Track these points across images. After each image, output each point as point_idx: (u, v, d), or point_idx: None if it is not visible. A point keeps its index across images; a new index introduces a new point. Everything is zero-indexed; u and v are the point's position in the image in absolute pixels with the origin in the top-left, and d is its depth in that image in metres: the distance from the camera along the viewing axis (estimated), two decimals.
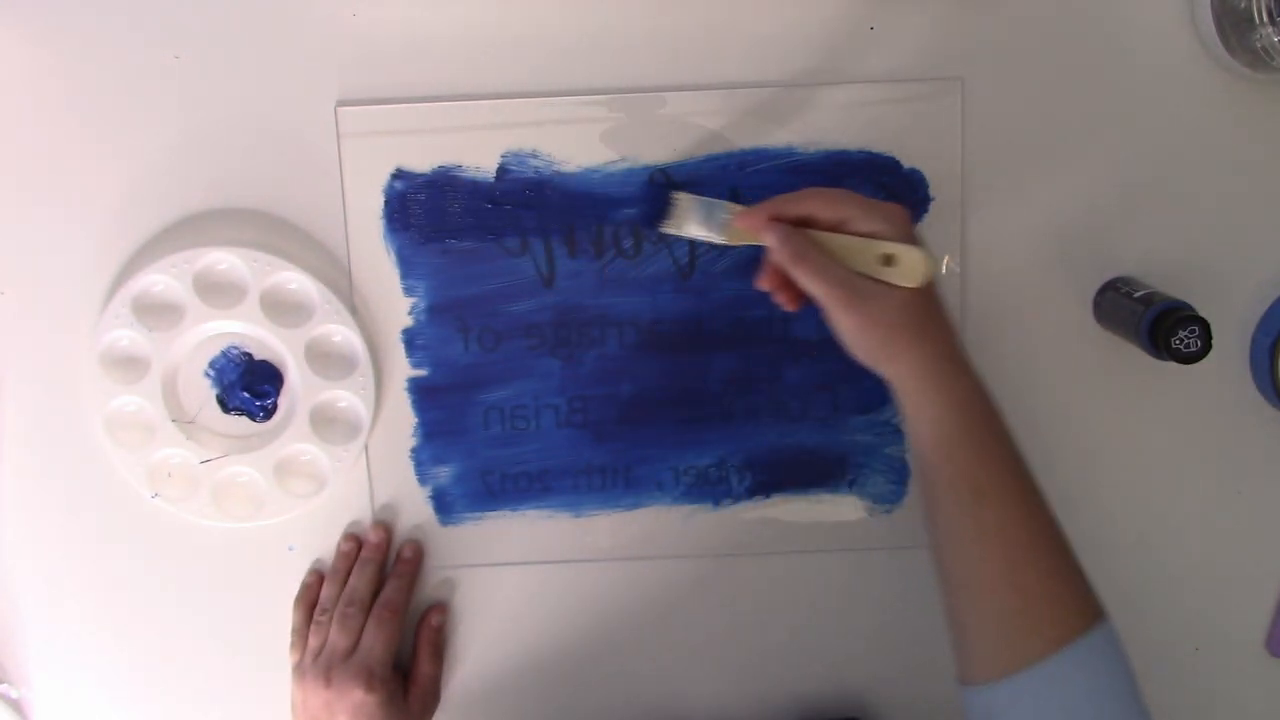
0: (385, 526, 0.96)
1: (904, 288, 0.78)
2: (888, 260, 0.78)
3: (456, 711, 0.99)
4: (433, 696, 0.96)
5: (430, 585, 0.97)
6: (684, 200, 0.87)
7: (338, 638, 0.91)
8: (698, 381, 0.94)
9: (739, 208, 0.84)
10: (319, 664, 0.90)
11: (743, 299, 0.93)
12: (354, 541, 0.96)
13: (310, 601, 0.96)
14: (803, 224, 0.80)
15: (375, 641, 0.91)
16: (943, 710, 0.97)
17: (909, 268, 0.78)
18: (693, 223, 0.87)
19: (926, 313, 0.79)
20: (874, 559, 0.97)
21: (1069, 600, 0.76)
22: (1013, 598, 0.76)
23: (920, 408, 0.79)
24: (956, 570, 0.78)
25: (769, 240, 0.80)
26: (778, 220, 0.80)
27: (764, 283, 0.84)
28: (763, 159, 0.91)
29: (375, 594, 0.94)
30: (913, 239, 0.78)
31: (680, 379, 0.94)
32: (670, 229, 0.87)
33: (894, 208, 0.80)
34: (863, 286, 0.78)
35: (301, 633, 0.95)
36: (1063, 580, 0.77)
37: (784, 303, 0.84)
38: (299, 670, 0.92)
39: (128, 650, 0.98)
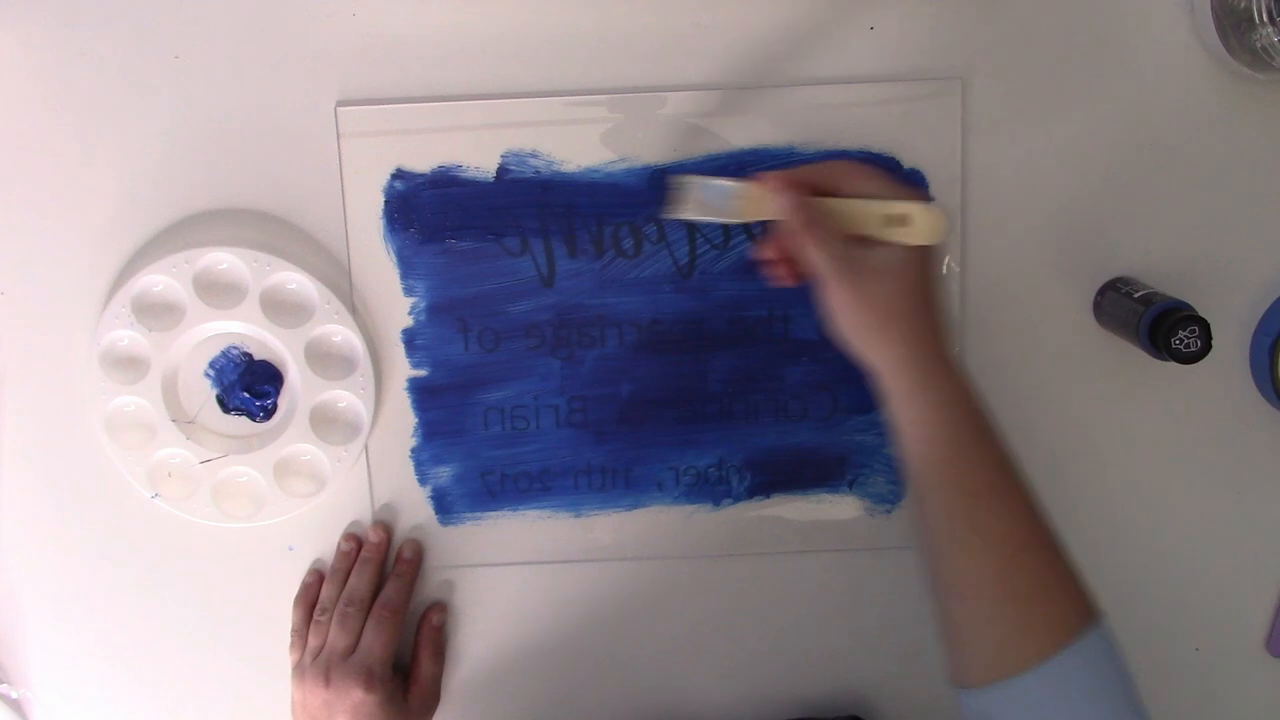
0: (385, 526, 0.96)
1: (904, 272, 0.77)
2: (898, 221, 0.77)
3: (456, 711, 0.99)
4: (433, 696, 0.96)
5: (430, 585, 0.97)
6: (690, 182, 0.84)
7: (337, 637, 0.91)
8: (697, 381, 0.94)
9: (746, 183, 0.82)
10: (318, 664, 0.90)
11: (743, 299, 0.93)
12: (354, 541, 0.96)
13: (310, 601, 0.96)
14: (817, 194, 0.80)
15: (375, 641, 0.91)
16: (942, 710, 0.97)
17: (919, 225, 0.77)
18: (698, 205, 0.84)
19: (921, 304, 0.78)
20: (874, 559, 0.97)
21: (1064, 602, 0.75)
22: (1007, 601, 0.75)
23: (907, 404, 0.78)
24: (948, 573, 0.77)
25: (783, 204, 0.79)
26: (792, 187, 0.79)
27: (767, 251, 0.83)
28: (763, 159, 0.91)
29: (375, 594, 0.94)
30: (930, 204, 0.78)
31: (680, 379, 0.94)
32: (675, 214, 0.85)
33: (913, 188, 0.80)
34: (864, 264, 0.77)
35: (301, 632, 0.95)
36: (1057, 582, 0.76)
37: (780, 276, 0.83)
38: (298, 670, 0.92)
39: (128, 650, 0.98)
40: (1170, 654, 0.98)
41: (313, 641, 0.93)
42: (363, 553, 0.96)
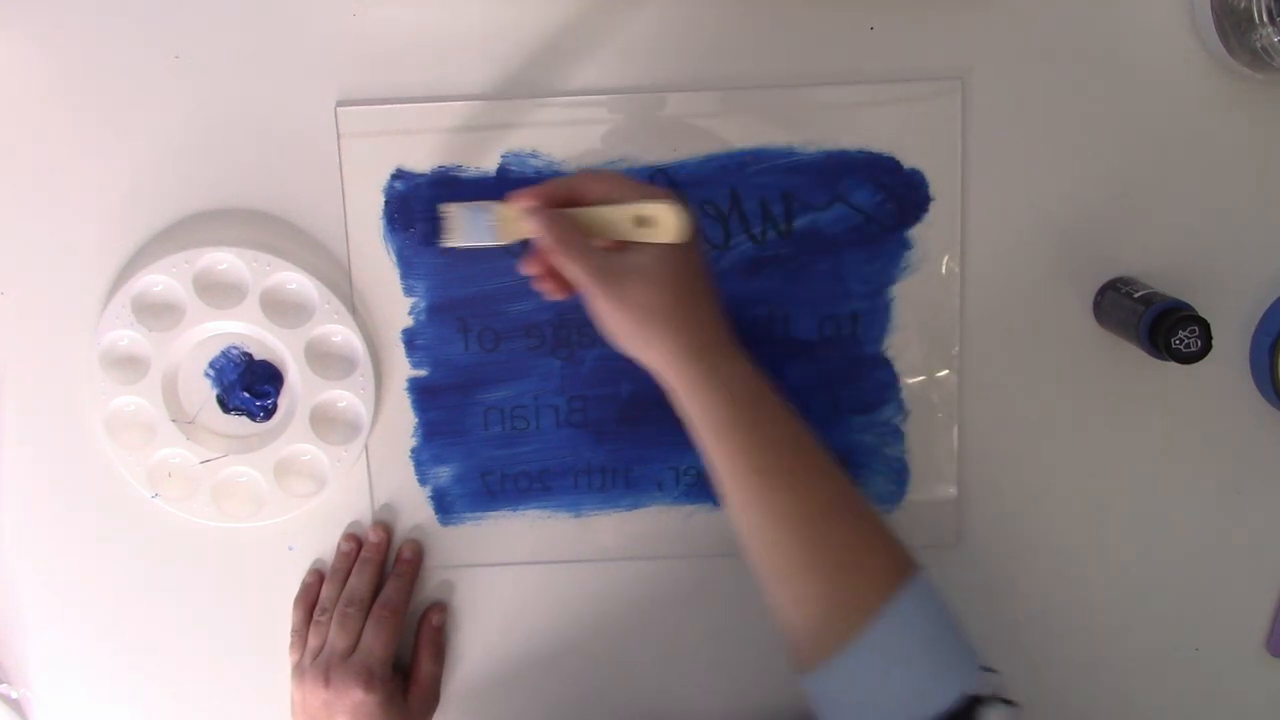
0: (385, 526, 0.96)
1: (660, 271, 0.78)
2: (643, 221, 0.79)
3: (456, 711, 0.99)
4: (433, 696, 0.96)
5: (430, 585, 0.97)
6: (453, 211, 0.85)
7: (337, 637, 0.91)
8: None
9: (501, 206, 0.84)
10: (318, 664, 0.90)
11: (743, 299, 0.93)
12: (354, 541, 0.96)
13: (310, 601, 0.96)
14: (566, 205, 0.81)
15: (375, 641, 0.91)
16: None
17: (663, 223, 0.78)
18: (464, 231, 0.85)
19: (684, 299, 0.79)
20: None
21: (874, 566, 0.76)
22: (816, 576, 0.76)
23: (688, 396, 0.78)
24: (759, 559, 0.78)
25: (533, 224, 0.80)
26: (542, 206, 0.80)
27: (530, 267, 0.84)
28: (763, 159, 0.91)
29: (375, 594, 0.94)
30: (673, 202, 0.79)
31: None
32: (449, 242, 0.86)
33: (659, 188, 0.81)
34: (619, 269, 0.78)
35: (301, 632, 0.95)
36: (864, 548, 0.77)
37: (549, 291, 0.84)
38: (298, 670, 0.92)
39: (128, 650, 0.98)
40: (1170, 654, 0.98)
41: (312, 641, 0.93)
42: (363, 553, 0.96)
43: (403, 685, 0.94)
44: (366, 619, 0.93)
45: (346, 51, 0.90)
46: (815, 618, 0.75)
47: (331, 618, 0.93)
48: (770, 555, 0.77)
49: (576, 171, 0.83)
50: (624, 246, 0.80)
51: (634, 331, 0.78)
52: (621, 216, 0.80)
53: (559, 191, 0.81)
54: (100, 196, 0.92)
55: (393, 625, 0.93)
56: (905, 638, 0.74)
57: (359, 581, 0.94)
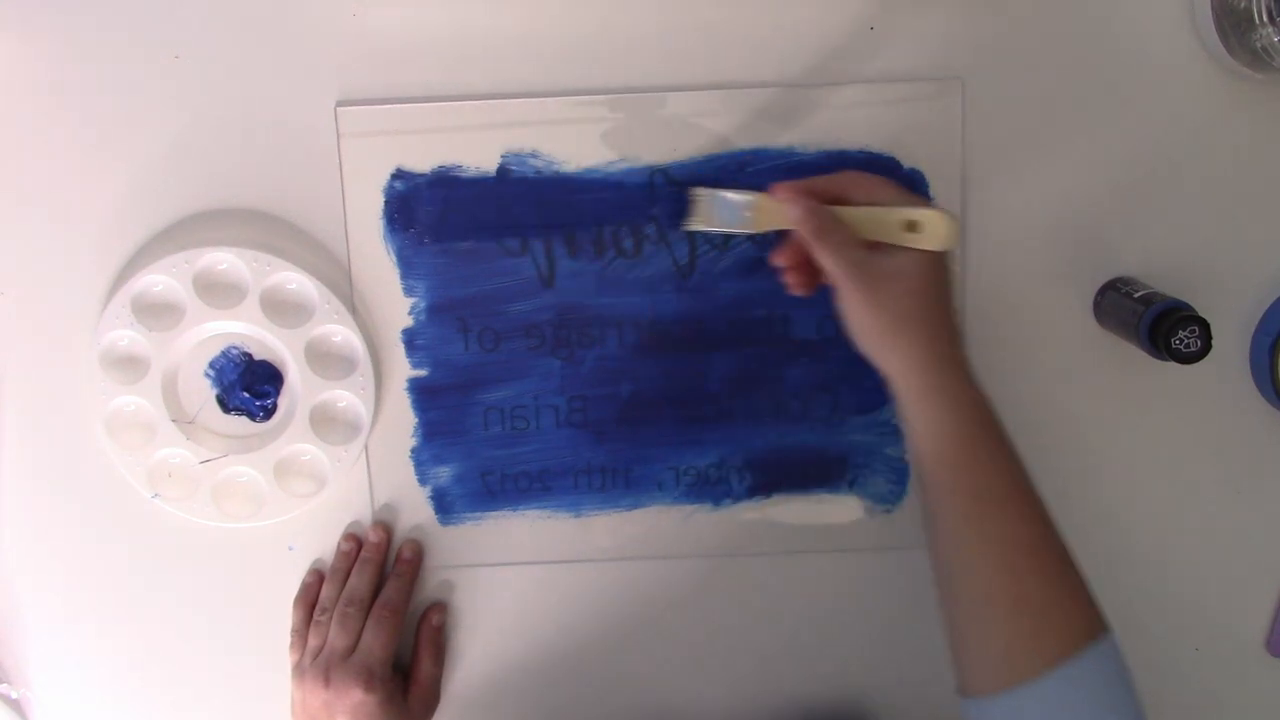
0: (385, 526, 0.96)
1: (917, 277, 0.78)
2: (911, 226, 0.79)
3: (456, 711, 0.99)
4: (433, 696, 0.96)
5: (430, 585, 0.97)
6: (704, 196, 0.86)
7: (337, 637, 0.91)
8: (698, 381, 0.94)
9: (758, 195, 0.84)
10: (318, 664, 0.90)
11: (743, 299, 0.93)
12: (354, 541, 0.96)
13: (310, 601, 0.96)
14: (828, 203, 0.81)
15: (375, 641, 0.91)
16: (943, 711, 0.97)
17: (932, 230, 0.78)
18: (715, 216, 0.86)
19: (934, 309, 0.79)
20: (874, 559, 0.97)
21: (1071, 613, 0.75)
22: (1014, 610, 0.75)
23: (920, 407, 0.78)
24: (957, 579, 0.78)
25: (795, 213, 0.80)
26: (804, 196, 0.81)
27: (782, 258, 0.84)
28: (763, 159, 0.91)
29: (375, 593, 0.94)
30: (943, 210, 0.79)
31: (680, 379, 0.94)
32: (695, 226, 0.87)
33: (922, 197, 0.83)
34: (877, 270, 0.78)
35: (301, 632, 0.95)
36: (1066, 592, 0.76)
37: (794, 284, 0.84)
38: (298, 670, 0.92)
39: (128, 650, 0.98)
40: (1170, 654, 0.98)
41: (313, 641, 0.93)
42: (363, 553, 0.96)
43: (403, 685, 0.94)
44: (366, 619, 0.93)
45: (346, 51, 0.90)
46: (1000, 649, 0.75)
47: (331, 618, 0.93)
48: (969, 579, 0.77)
49: (839, 170, 0.84)
50: (882, 249, 0.80)
51: (881, 334, 0.79)
52: (890, 219, 0.80)
53: (823, 187, 0.82)
54: (100, 196, 0.92)
55: (392, 625, 0.93)
56: (1087, 691, 0.73)
57: (359, 581, 0.94)
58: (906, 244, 0.79)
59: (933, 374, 0.78)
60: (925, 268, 0.78)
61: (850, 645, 0.98)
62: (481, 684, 0.99)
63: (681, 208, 0.88)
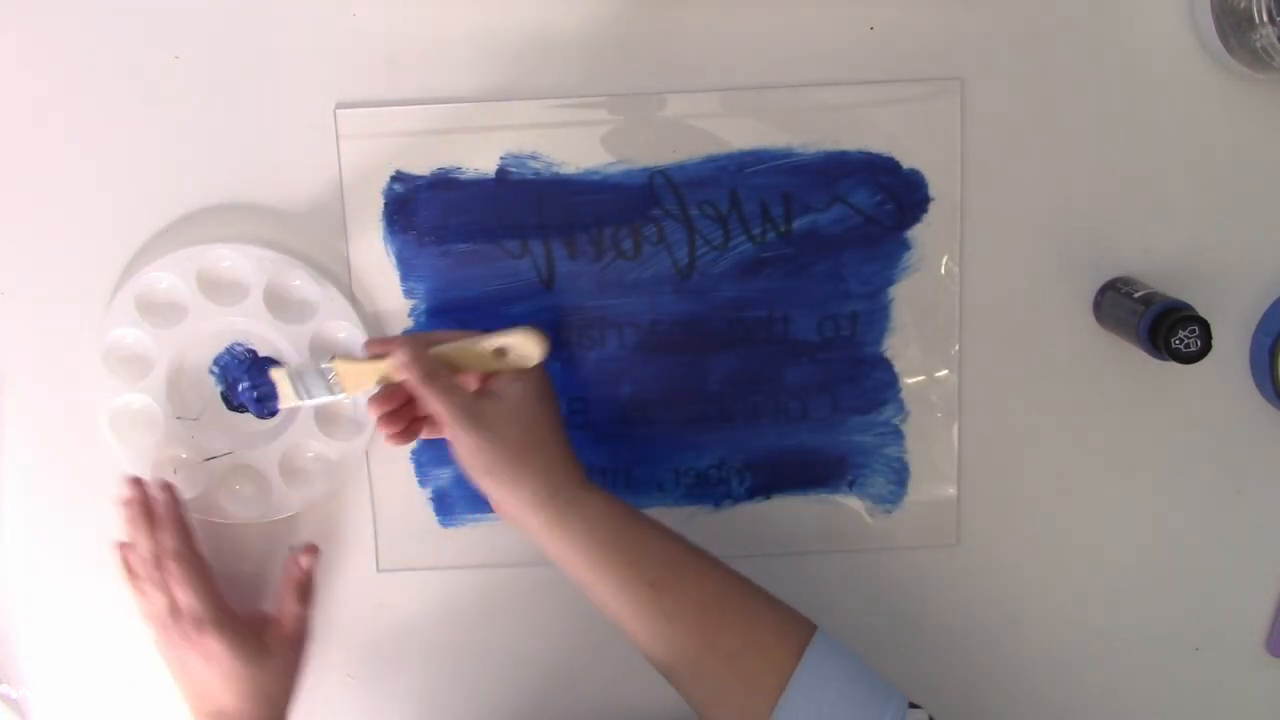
0: (136, 480, 0.92)
1: (523, 411, 0.83)
2: (503, 353, 0.84)
3: (455, 711, 0.99)
4: (297, 636, 0.94)
5: (430, 585, 0.98)
6: (280, 374, 0.88)
7: (158, 598, 0.90)
8: (697, 382, 0.94)
9: (343, 360, 0.87)
10: (159, 628, 0.90)
11: (742, 299, 0.93)
12: (131, 504, 0.92)
13: (130, 572, 0.94)
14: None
15: (184, 594, 0.89)
16: (942, 711, 0.97)
17: (521, 350, 0.84)
18: (300, 391, 0.88)
19: (546, 438, 0.83)
20: (874, 559, 0.97)
21: (773, 640, 0.79)
22: (723, 663, 0.78)
23: (563, 528, 0.81)
24: (662, 658, 0.80)
25: (399, 357, 0.83)
26: (406, 343, 0.84)
27: (377, 408, 0.86)
28: (762, 160, 0.91)
29: (173, 541, 0.91)
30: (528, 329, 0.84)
31: (680, 380, 0.94)
32: (287, 404, 0.90)
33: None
34: (486, 410, 0.82)
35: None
36: (761, 625, 0.80)
37: (391, 436, 0.87)
38: (155, 639, 0.92)
39: (128, 649, 0.98)
40: (1170, 654, 0.98)
41: (145, 607, 0.92)
42: (127, 514, 0.92)
43: (255, 624, 0.92)
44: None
45: (346, 52, 0.90)
46: (731, 700, 0.78)
47: (144, 583, 0.91)
48: (671, 654, 0.80)
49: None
50: (486, 389, 0.84)
51: (500, 472, 0.81)
52: (481, 349, 0.84)
53: (417, 338, 0.85)
54: (101, 196, 0.92)
55: (184, 572, 0.89)
56: (824, 693, 0.76)
57: (142, 541, 0.91)
58: (504, 368, 0.84)
59: (556, 502, 0.82)
60: (531, 398, 0.83)
61: (850, 645, 0.98)
62: (481, 684, 0.99)
63: (269, 391, 0.90)
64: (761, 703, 0.76)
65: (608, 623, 0.82)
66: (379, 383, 0.86)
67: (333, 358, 0.87)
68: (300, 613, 0.95)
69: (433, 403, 0.82)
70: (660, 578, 0.80)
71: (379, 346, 0.86)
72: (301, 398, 0.88)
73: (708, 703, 0.79)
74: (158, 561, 0.90)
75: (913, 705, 0.78)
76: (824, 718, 0.75)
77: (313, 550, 0.96)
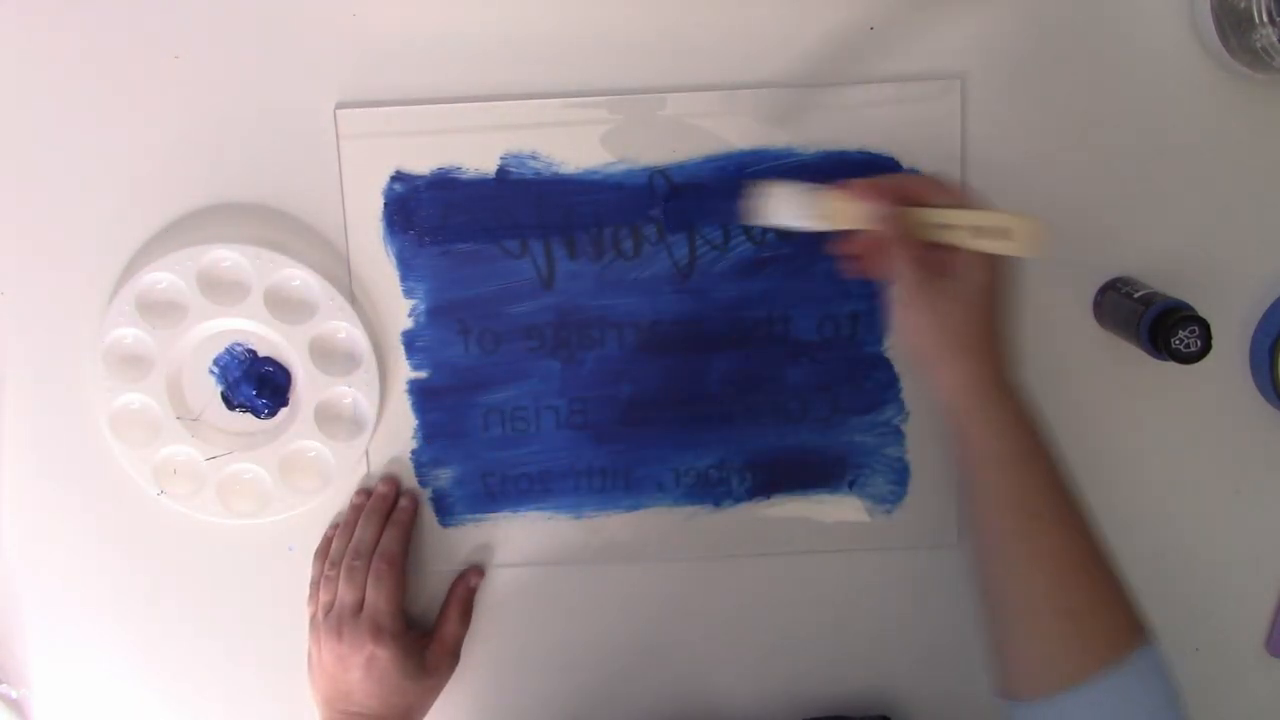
0: (393, 479, 0.96)
1: (977, 300, 0.78)
2: (994, 233, 0.77)
3: (456, 711, 0.99)
4: (452, 655, 0.96)
5: (431, 586, 0.98)
6: (774, 189, 0.84)
7: (345, 592, 0.91)
8: (698, 382, 0.94)
9: (836, 192, 0.82)
10: (330, 619, 0.90)
11: (742, 300, 0.93)
12: (364, 495, 0.96)
13: (325, 554, 0.96)
14: (904, 204, 0.81)
15: (377, 596, 0.90)
16: (943, 711, 0.97)
17: (1022, 236, 0.76)
18: (784, 212, 0.84)
19: (991, 330, 0.79)
20: (874, 559, 0.97)
21: (1116, 621, 0.77)
22: (1062, 619, 0.76)
23: (970, 425, 0.79)
24: (1003, 589, 0.79)
25: (874, 213, 0.80)
26: (885, 196, 0.81)
27: (846, 246, 0.84)
28: (762, 160, 0.91)
29: None
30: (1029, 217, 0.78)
31: (680, 380, 0.94)
32: (763, 221, 0.85)
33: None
34: (944, 290, 0.78)
35: (318, 585, 0.95)
36: (1111, 602, 0.77)
37: (848, 268, 0.85)
38: (314, 624, 0.93)
39: (129, 649, 0.99)
40: (1170, 654, 0.98)
41: (324, 596, 0.93)
42: (368, 504, 0.95)
43: (420, 640, 0.94)
44: None
45: (346, 53, 0.90)
46: (1047, 655, 0.76)
47: (340, 572, 0.93)
48: (1016, 588, 0.78)
49: (918, 173, 0.85)
50: (946, 268, 0.79)
51: (937, 353, 0.79)
52: (962, 222, 0.78)
53: (899, 187, 0.81)
54: (101, 195, 0.92)
55: (391, 578, 0.91)
56: (1129, 698, 0.74)
57: (363, 534, 0.93)
58: (980, 249, 0.78)
59: (983, 394, 0.79)
60: (985, 290, 0.79)
61: (850, 645, 0.98)
62: (483, 685, 0.99)
63: (753, 201, 0.85)
64: (1067, 671, 0.74)
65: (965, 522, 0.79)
66: (859, 225, 0.81)
67: (827, 185, 0.82)
68: (458, 634, 0.96)
69: (895, 264, 0.79)
70: (1043, 509, 0.78)
71: (863, 192, 0.81)
72: (782, 218, 0.83)
73: (1012, 638, 0.78)
74: (367, 559, 0.92)
75: None
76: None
77: (479, 572, 0.97)
